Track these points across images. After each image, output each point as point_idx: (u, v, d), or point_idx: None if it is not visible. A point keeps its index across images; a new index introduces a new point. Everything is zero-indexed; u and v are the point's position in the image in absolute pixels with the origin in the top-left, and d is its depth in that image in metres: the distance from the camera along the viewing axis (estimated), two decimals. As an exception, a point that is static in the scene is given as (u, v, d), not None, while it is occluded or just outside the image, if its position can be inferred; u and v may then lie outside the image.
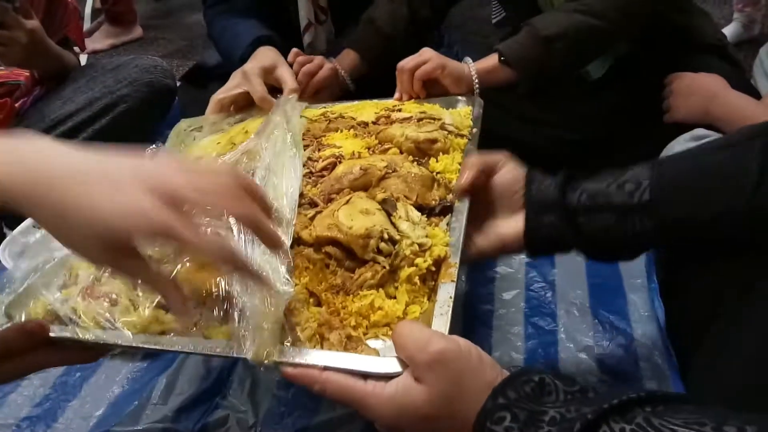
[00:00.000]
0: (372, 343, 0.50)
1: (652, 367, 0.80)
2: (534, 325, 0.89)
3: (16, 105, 1.22)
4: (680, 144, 0.95)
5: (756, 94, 1.00)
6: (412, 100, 0.98)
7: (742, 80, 1.07)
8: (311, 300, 0.53)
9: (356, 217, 0.56)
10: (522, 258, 0.99)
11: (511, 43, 0.96)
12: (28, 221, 0.99)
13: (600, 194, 0.60)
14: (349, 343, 0.48)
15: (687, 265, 0.65)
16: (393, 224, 0.57)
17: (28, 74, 1.27)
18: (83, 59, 1.58)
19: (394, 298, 0.53)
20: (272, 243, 0.46)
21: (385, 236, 0.54)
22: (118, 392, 0.80)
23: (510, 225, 0.65)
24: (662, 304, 0.76)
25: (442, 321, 0.48)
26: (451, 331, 0.47)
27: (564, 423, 0.39)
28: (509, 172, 0.66)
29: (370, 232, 0.54)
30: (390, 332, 0.51)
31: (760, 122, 0.58)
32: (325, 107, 1.03)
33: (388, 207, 0.59)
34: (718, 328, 0.59)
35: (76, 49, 1.51)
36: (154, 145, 0.80)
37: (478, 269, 0.97)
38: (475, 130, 0.84)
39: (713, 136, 0.94)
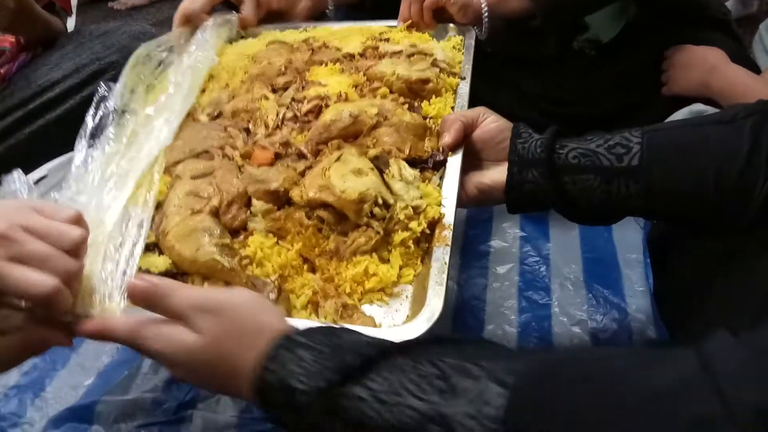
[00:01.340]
0: (367, 308, 0.50)
1: (646, 341, 0.81)
2: (528, 299, 0.89)
3: (1, 71, 1.16)
4: (678, 117, 0.93)
5: (757, 70, 0.97)
6: (401, 27, 0.92)
7: (743, 55, 1.04)
8: (305, 266, 0.52)
9: (348, 178, 0.54)
10: (516, 232, 0.98)
11: None
12: None
13: (588, 154, 0.59)
14: (345, 312, 0.48)
15: (675, 241, 0.66)
16: (386, 183, 0.55)
17: (13, 39, 1.21)
18: (70, 25, 1.47)
19: (388, 261, 0.53)
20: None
21: (379, 201, 0.52)
22: (108, 362, 0.78)
23: (491, 176, 0.64)
24: (653, 276, 0.77)
25: (438, 290, 0.48)
26: (446, 299, 0.47)
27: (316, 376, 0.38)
28: (492, 122, 0.65)
29: (364, 197, 0.52)
30: (384, 297, 0.51)
31: (756, 101, 0.57)
32: (306, 30, 0.96)
33: (380, 164, 0.57)
34: (703, 302, 0.60)
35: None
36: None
37: (472, 243, 0.97)
38: (467, 66, 0.80)
39: (711, 111, 0.92)
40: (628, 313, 0.86)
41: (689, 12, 1.05)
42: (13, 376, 0.75)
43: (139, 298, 0.44)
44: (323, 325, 0.44)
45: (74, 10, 1.51)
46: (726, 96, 0.88)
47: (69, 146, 1.00)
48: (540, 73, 1.05)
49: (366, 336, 0.42)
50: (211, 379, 0.44)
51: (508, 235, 0.99)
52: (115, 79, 0.76)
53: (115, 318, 0.45)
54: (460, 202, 0.62)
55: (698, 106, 0.93)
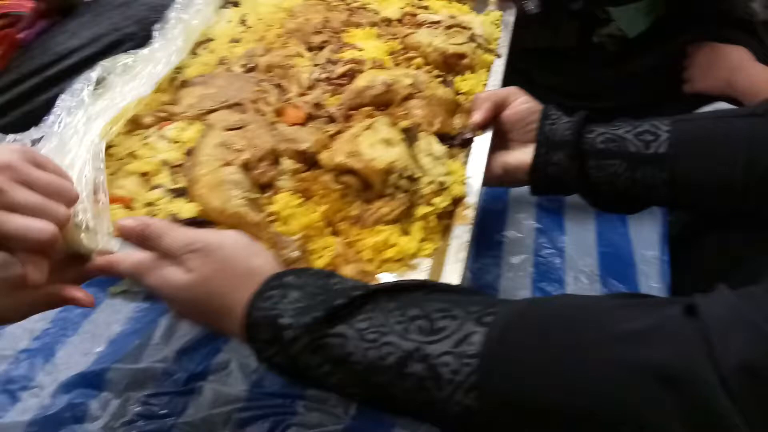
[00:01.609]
0: (384, 277, 0.52)
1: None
2: (541, 290, 0.88)
3: (20, 36, 1.14)
4: None
5: None
6: (441, -4, 0.91)
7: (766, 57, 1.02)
8: (328, 228, 0.53)
9: (378, 147, 0.54)
10: (532, 224, 0.97)
11: None
12: None
13: (615, 140, 0.59)
14: (363, 278, 0.50)
15: (696, 237, 0.66)
16: (414, 156, 0.56)
17: (32, 5, 1.18)
18: None
19: (408, 233, 0.54)
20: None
21: (406, 173, 0.53)
22: (119, 331, 0.77)
23: (517, 156, 0.65)
24: (670, 272, 0.77)
25: (456, 267, 0.49)
26: (463, 277, 0.49)
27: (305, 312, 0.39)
28: (523, 103, 0.66)
29: (391, 168, 0.53)
30: (402, 268, 0.53)
31: None
32: (345, -12, 0.95)
33: (410, 137, 0.58)
34: None
35: None
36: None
37: (485, 233, 0.97)
38: (504, 43, 0.80)
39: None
40: None
41: (715, 11, 1.02)
42: (24, 340, 0.75)
43: (132, 236, 0.46)
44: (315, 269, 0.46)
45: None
46: (749, 95, 0.87)
47: None
48: (556, 66, 1.04)
49: (356, 281, 0.43)
50: (204, 317, 0.45)
51: (522, 226, 0.98)
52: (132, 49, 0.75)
53: (119, 255, 0.47)
54: (485, 181, 0.63)
55: (720, 105, 0.92)
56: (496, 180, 0.66)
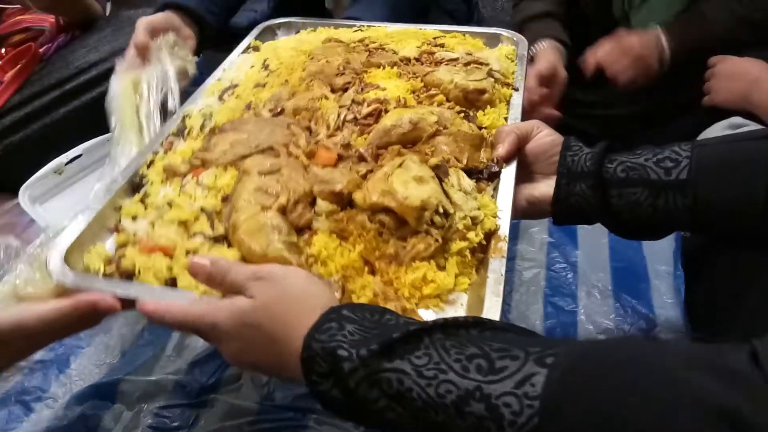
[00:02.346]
0: (423, 313, 0.52)
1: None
2: (554, 305, 0.89)
3: (41, 50, 1.20)
4: (716, 131, 0.93)
5: None
6: (454, 33, 0.94)
7: None
8: (365, 268, 0.54)
9: (410, 184, 0.56)
10: (544, 237, 0.98)
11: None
12: (48, 167, 0.99)
13: (636, 168, 0.60)
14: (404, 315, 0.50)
15: (711, 253, 0.67)
16: (445, 193, 0.57)
17: (53, 20, 1.24)
18: (108, 9, 1.51)
19: (444, 268, 0.55)
20: None
21: (440, 209, 0.54)
22: (133, 343, 0.79)
23: (541, 189, 0.66)
24: (685, 288, 0.77)
25: (495, 302, 0.50)
26: (503, 311, 0.49)
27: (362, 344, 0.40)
28: (546, 136, 0.67)
29: (426, 205, 0.54)
30: (441, 304, 0.53)
31: None
32: (361, 29, 0.98)
33: (441, 173, 0.59)
34: (739, 313, 0.61)
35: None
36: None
37: None
38: (520, 76, 0.82)
39: (751, 125, 0.91)
40: (656, 324, 0.86)
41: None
42: (39, 351, 0.75)
43: (200, 273, 0.50)
44: (370, 304, 0.47)
45: (113, -5, 1.55)
46: (766, 110, 0.88)
47: (103, 128, 1.03)
48: (577, 78, 1.07)
49: (409, 318, 0.44)
50: (261, 349, 0.46)
51: (535, 240, 0.99)
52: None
53: (167, 304, 0.49)
54: (513, 214, 0.64)
55: (737, 119, 0.93)
56: (521, 213, 0.67)
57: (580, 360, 0.36)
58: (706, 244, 0.69)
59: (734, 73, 0.93)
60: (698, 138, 0.92)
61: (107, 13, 1.50)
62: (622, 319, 0.87)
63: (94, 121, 1.21)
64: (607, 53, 1.04)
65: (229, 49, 1.35)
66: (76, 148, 1.03)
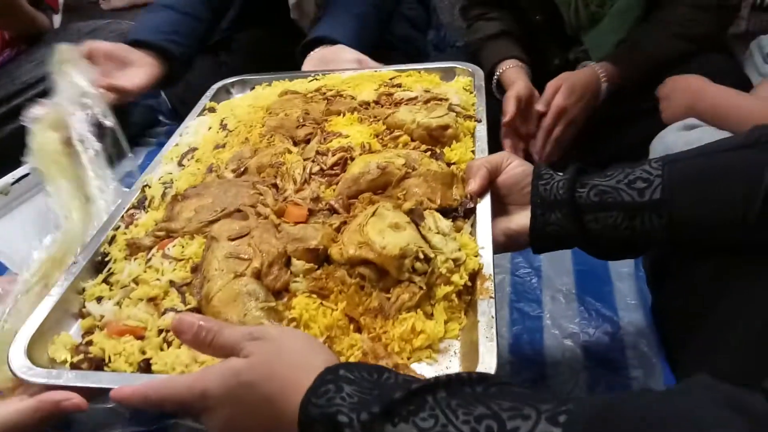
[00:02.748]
0: (417, 367, 0.50)
1: (639, 355, 0.82)
2: (519, 311, 0.90)
3: None
4: (672, 132, 0.97)
5: (750, 87, 1.02)
6: (410, 72, 0.94)
7: (739, 74, 1.09)
8: (351, 326, 0.52)
9: (387, 233, 0.54)
10: None
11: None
12: None
13: (609, 191, 0.60)
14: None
15: (674, 260, 0.67)
16: (423, 237, 0.56)
17: None
18: (56, 22, 1.47)
19: (431, 315, 0.53)
20: None
21: (420, 255, 0.53)
22: None
23: (516, 221, 0.65)
24: (650, 293, 0.77)
25: (490, 346, 0.48)
26: (499, 354, 0.47)
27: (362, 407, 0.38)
28: (516, 167, 0.66)
29: (405, 252, 0.52)
30: (433, 354, 0.51)
31: None
32: (316, 78, 0.98)
33: (416, 217, 0.58)
34: (714, 321, 0.60)
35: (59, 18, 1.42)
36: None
37: None
38: (481, 107, 0.82)
39: (704, 125, 0.94)
40: (620, 327, 0.87)
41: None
42: None
43: (187, 333, 0.46)
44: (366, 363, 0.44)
45: (61, 7, 1.51)
46: (711, 116, 0.92)
47: None
48: (542, 86, 1.10)
49: (407, 375, 0.42)
50: (254, 408, 0.43)
51: None
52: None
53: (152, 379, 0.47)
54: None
55: (691, 120, 0.97)
56: (500, 247, 0.66)
57: (597, 422, 0.34)
58: (670, 250, 0.69)
59: (676, 90, 0.99)
60: (655, 137, 0.96)
61: (56, 26, 1.46)
62: (586, 322, 0.88)
63: None
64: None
65: None
66: (23, 167, 0.98)
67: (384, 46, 1.36)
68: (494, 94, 1.14)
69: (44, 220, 0.97)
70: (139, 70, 0.97)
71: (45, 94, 1.21)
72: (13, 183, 0.97)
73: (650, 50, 1.08)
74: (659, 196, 0.58)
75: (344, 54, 1.05)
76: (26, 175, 0.98)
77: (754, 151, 0.56)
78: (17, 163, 0.97)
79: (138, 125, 1.58)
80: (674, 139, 0.94)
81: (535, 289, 0.93)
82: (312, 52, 1.09)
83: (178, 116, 1.58)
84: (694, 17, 1.06)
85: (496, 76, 1.15)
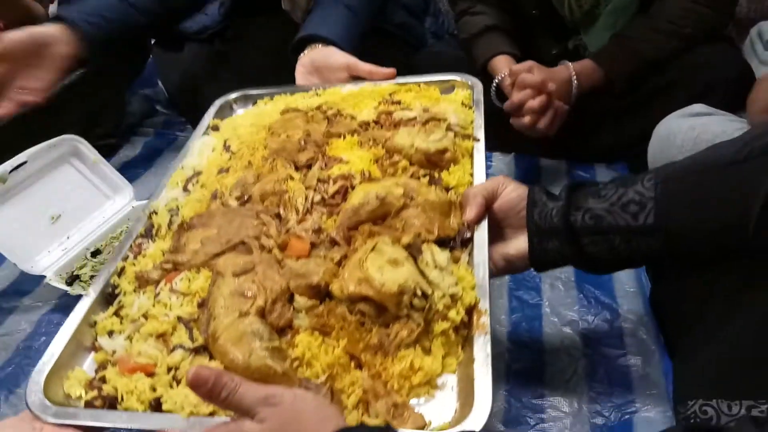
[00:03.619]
0: (415, 402, 0.52)
1: (637, 342, 0.83)
2: (518, 299, 0.91)
3: None
4: (676, 118, 0.96)
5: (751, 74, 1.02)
6: (409, 86, 0.95)
7: (741, 62, 1.09)
8: (352, 362, 0.54)
9: (386, 269, 0.56)
10: None
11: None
12: None
13: (604, 216, 0.61)
14: (396, 411, 0.50)
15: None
16: (421, 272, 0.57)
17: None
18: (52, 11, 1.47)
19: (429, 350, 0.55)
20: None
21: (418, 292, 0.54)
22: None
23: (515, 246, 0.67)
24: (649, 281, 0.78)
25: (485, 382, 0.50)
26: (494, 393, 0.49)
27: None
28: (512, 192, 0.68)
29: (403, 289, 0.54)
30: (431, 390, 0.53)
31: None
32: (317, 93, 0.99)
33: (414, 251, 0.59)
34: (713, 312, 0.62)
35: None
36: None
37: None
38: (480, 124, 0.83)
39: (712, 112, 0.94)
40: (619, 314, 0.88)
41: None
42: None
43: (202, 389, 0.47)
44: (378, 425, 0.46)
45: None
46: None
47: (49, 134, 1.01)
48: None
49: None
50: None
51: None
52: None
53: None
54: (490, 275, 0.65)
55: (698, 107, 0.97)
56: (501, 271, 0.68)
57: None
58: None
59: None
60: (659, 124, 0.96)
61: (51, 15, 1.45)
62: (585, 309, 0.89)
63: (38, 127, 1.17)
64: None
65: (180, 50, 1.35)
66: (20, 155, 0.99)
67: (382, 34, 1.36)
68: (494, 101, 1.15)
69: (42, 209, 1.01)
70: (49, 63, 0.97)
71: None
72: (11, 171, 0.98)
73: (638, 46, 1.08)
74: (653, 221, 0.59)
75: (334, 57, 1.06)
76: (24, 162, 0.99)
77: (746, 166, 0.56)
78: (14, 152, 0.99)
79: (135, 115, 1.62)
80: (678, 125, 0.94)
81: (534, 277, 0.95)
82: (302, 55, 1.10)
83: (174, 105, 1.62)
84: (687, 15, 1.06)
85: (495, 84, 1.15)
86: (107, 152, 1.40)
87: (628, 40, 1.09)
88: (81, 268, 1.00)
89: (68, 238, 1.04)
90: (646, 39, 1.08)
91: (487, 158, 1.33)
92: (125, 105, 1.59)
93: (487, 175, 1.30)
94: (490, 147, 1.32)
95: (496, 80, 1.15)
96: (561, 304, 0.90)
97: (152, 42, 1.56)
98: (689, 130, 0.92)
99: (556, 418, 0.75)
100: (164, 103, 1.66)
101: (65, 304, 0.98)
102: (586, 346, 0.84)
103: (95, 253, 1.03)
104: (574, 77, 1.08)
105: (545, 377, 0.80)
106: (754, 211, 0.54)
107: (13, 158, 0.99)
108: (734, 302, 0.60)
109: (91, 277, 0.97)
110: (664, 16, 1.08)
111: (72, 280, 0.97)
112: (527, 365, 0.82)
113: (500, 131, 1.10)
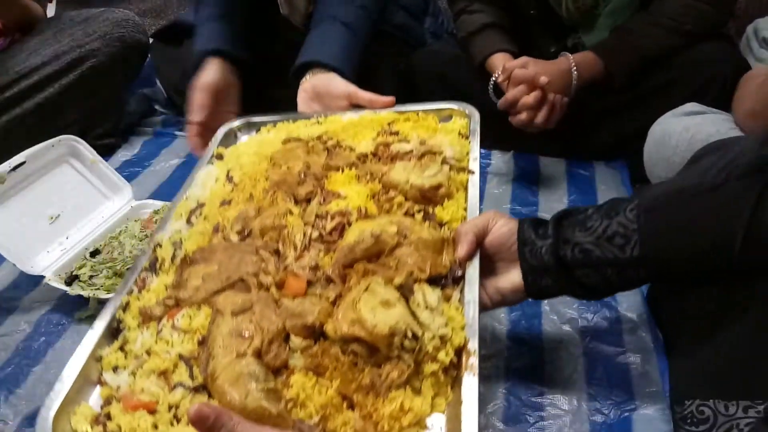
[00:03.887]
0: (404, 443, 0.54)
1: (636, 340, 0.85)
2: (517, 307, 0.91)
3: None
4: (671, 118, 0.98)
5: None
6: (408, 115, 0.97)
7: (738, 59, 1.10)
8: (344, 403, 0.56)
9: (378, 310, 0.58)
10: None
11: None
12: None
13: (592, 250, 0.63)
14: (386, 451, 0.52)
15: None
16: (412, 312, 0.59)
17: None
18: (51, 10, 1.48)
19: (419, 391, 0.57)
20: None
21: (408, 334, 0.57)
22: None
23: (509, 279, 0.69)
24: None
25: (472, 423, 0.52)
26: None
27: None
28: (503, 227, 0.70)
29: (394, 331, 0.56)
30: (421, 431, 0.55)
31: (745, 155, 0.58)
32: (318, 121, 1.01)
33: (406, 292, 0.61)
34: (710, 312, 0.64)
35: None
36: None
37: None
38: (475, 156, 0.85)
39: (706, 111, 0.95)
40: (618, 312, 0.89)
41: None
42: None
43: (203, 426, 0.49)
44: None
45: (55, -5, 1.54)
46: None
47: (47, 134, 1.02)
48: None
49: None
50: None
51: None
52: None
53: None
54: (483, 309, 0.67)
55: (692, 106, 0.98)
56: (495, 305, 0.70)
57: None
58: None
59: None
60: (654, 124, 0.98)
61: (50, 15, 1.44)
62: (585, 307, 0.90)
63: (37, 127, 1.18)
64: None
65: (179, 44, 1.41)
66: (19, 155, 1.00)
67: (381, 35, 1.38)
68: (492, 99, 1.16)
69: (41, 209, 1.02)
70: (232, 96, 1.12)
71: (40, 84, 1.21)
72: (10, 171, 0.99)
73: (638, 41, 1.09)
74: (638, 253, 0.61)
75: (335, 84, 1.08)
76: (23, 163, 1.00)
77: (725, 190, 0.58)
78: (13, 153, 1.00)
79: (134, 115, 1.63)
80: (672, 126, 0.95)
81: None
82: (304, 80, 1.13)
83: (173, 105, 1.64)
84: (687, 12, 1.07)
85: (492, 81, 1.16)
86: (106, 152, 1.42)
87: (629, 34, 1.10)
88: (80, 268, 1.01)
89: (67, 238, 1.05)
90: (645, 34, 1.09)
91: (487, 156, 1.37)
92: (124, 105, 1.60)
93: (487, 176, 1.32)
94: (489, 145, 1.36)
95: (494, 78, 1.16)
96: (560, 302, 0.90)
97: (150, 41, 1.56)
98: (684, 131, 0.93)
99: (556, 415, 0.76)
100: (163, 103, 1.67)
101: (64, 304, 0.99)
102: (585, 345, 0.85)
103: (94, 253, 1.04)
104: (574, 68, 1.08)
105: (544, 375, 0.82)
106: (738, 235, 0.56)
107: (12, 158, 0.99)
108: (732, 303, 0.62)
109: (91, 277, 0.98)
110: (664, 12, 1.09)
111: (71, 280, 0.98)
112: (526, 363, 0.83)
113: (499, 129, 1.12)
